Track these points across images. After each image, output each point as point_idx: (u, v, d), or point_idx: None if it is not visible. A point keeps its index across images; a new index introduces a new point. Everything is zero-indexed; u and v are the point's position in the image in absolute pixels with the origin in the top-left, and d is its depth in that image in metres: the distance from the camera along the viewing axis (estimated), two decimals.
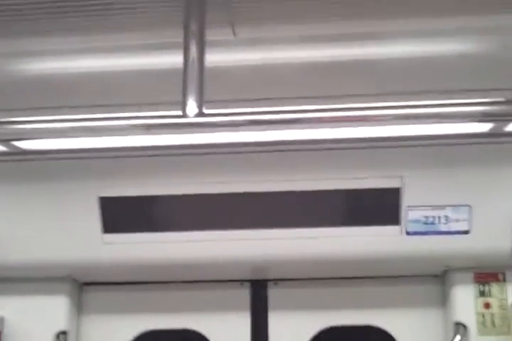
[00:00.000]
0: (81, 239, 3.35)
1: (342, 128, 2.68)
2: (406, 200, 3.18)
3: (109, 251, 3.36)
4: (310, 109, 2.24)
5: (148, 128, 2.25)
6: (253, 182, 3.24)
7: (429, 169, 3.14)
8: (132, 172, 3.27)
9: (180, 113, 2.20)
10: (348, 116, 2.24)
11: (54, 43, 2.52)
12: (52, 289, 3.55)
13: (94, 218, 3.33)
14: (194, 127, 2.22)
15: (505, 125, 2.30)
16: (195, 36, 2.16)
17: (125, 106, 2.64)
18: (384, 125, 2.32)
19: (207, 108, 2.22)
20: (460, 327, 3.28)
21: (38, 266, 3.42)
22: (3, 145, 2.55)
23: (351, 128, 2.75)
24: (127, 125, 2.29)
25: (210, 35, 2.32)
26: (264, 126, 2.24)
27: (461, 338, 3.25)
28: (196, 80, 2.16)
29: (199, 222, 3.34)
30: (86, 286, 3.71)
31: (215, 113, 2.20)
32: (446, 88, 2.59)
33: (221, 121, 2.22)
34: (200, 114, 2.16)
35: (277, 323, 3.57)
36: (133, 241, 3.35)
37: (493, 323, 3.29)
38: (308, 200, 3.26)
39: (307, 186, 3.22)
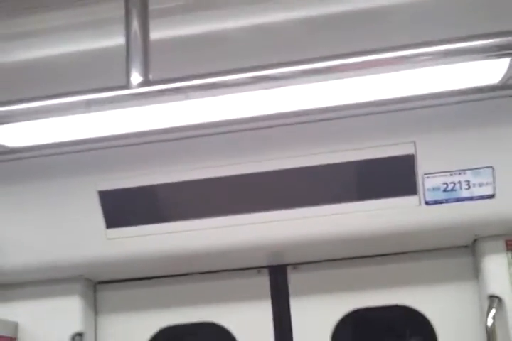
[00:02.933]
0: (85, 236, 3.07)
1: (342, 89, 2.31)
2: (422, 167, 2.80)
3: (115, 247, 3.06)
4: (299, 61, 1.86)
5: (89, 105, 1.89)
6: (259, 162, 2.90)
7: (443, 131, 2.75)
8: (129, 162, 2.97)
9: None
10: (345, 65, 1.84)
11: None
12: (65, 290, 3.28)
13: (95, 213, 3.03)
14: (139, 98, 1.86)
15: None
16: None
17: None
18: (392, 70, 1.90)
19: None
20: (495, 300, 2.88)
21: (46, 268, 3.16)
22: None
23: (355, 91, 2.38)
24: (65, 103, 1.94)
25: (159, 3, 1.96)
26: (236, 88, 1.86)
27: (497, 312, 2.85)
28: (140, 45, 1.80)
29: (207, 209, 3.01)
30: (100, 285, 3.43)
31: (164, 79, 1.83)
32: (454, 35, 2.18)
33: (170, 89, 1.84)
34: (146, 83, 1.80)
35: (300, 309, 3.22)
36: (139, 235, 3.05)
37: None
38: (317, 176, 2.91)
39: (314, 161, 2.86)
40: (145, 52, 1.82)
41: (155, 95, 1.88)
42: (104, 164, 2.97)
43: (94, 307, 3.38)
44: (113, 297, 3.40)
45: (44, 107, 1.98)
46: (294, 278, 3.26)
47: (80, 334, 3.21)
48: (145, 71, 1.82)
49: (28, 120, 2.09)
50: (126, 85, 1.85)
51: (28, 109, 1.99)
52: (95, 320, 3.36)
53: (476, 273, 3.08)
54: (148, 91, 1.86)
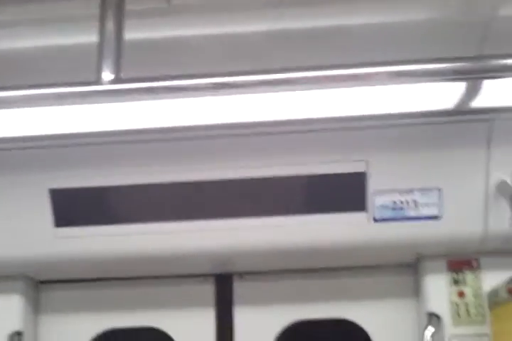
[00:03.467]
0: (32, 234, 3.00)
1: (302, 104, 2.34)
2: (372, 185, 2.84)
3: (62, 246, 3.00)
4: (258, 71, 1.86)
5: (58, 98, 1.86)
6: (211, 170, 2.89)
7: (395, 151, 2.80)
8: (84, 162, 2.92)
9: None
10: (302, 78, 1.85)
11: None
12: (6, 288, 3.19)
13: (45, 211, 2.96)
14: (110, 95, 1.83)
15: (477, 84, 1.94)
16: None
17: None
18: (345, 86, 1.92)
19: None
20: (433, 318, 2.94)
21: None
22: None
23: (312, 107, 2.42)
24: (33, 95, 1.90)
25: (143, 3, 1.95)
26: (200, 92, 1.85)
27: (435, 329, 2.89)
28: (114, 42, 1.77)
29: (157, 213, 2.99)
30: (43, 284, 3.34)
31: (136, 78, 1.82)
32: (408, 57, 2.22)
33: (141, 88, 1.82)
34: (117, 80, 1.78)
35: (243, 319, 3.22)
36: (87, 235, 3.00)
37: (467, 313, 2.94)
38: (269, 187, 2.92)
39: (267, 172, 2.87)
40: (118, 50, 1.79)
41: (126, 93, 1.85)
42: (58, 162, 2.90)
43: (36, 307, 3.29)
44: (56, 297, 3.32)
45: (9, 98, 1.92)
46: (239, 287, 3.26)
47: (18, 333, 3.13)
48: (117, 68, 1.79)
49: None
50: (97, 81, 1.81)
51: None
52: (36, 320, 3.28)
53: (417, 291, 3.13)
54: (119, 89, 1.83)
